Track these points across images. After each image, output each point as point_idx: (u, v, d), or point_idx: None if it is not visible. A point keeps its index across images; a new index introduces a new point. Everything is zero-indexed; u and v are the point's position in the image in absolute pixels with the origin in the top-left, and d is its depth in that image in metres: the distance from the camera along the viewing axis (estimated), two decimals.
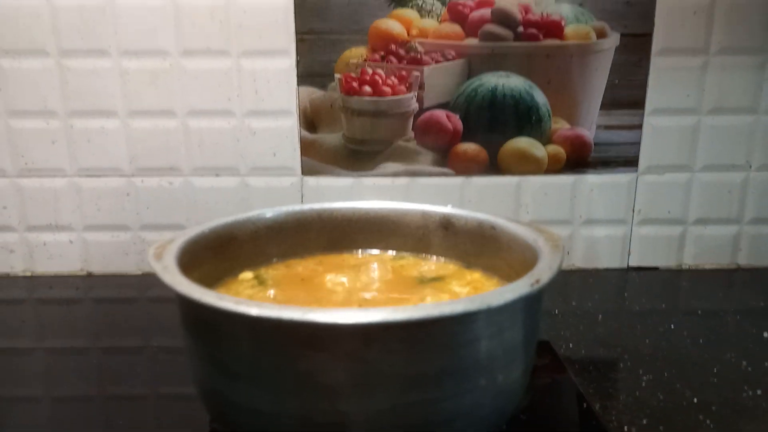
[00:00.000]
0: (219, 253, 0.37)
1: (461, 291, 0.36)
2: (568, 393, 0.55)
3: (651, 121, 0.82)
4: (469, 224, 0.39)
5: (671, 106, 0.81)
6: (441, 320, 0.23)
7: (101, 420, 0.53)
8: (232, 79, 0.80)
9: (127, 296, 0.82)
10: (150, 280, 0.83)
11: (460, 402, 0.26)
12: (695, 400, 0.53)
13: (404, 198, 0.83)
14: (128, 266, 0.86)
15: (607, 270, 0.86)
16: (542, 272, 0.27)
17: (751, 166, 0.84)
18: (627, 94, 0.82)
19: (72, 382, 0.59)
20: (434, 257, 0.41)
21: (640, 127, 0.82)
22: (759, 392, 0.54)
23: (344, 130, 0.82)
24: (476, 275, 0.38)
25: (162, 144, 0.82)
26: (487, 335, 0.26)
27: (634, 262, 0.86)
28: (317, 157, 0.83)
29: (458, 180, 0.83)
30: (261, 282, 0.38)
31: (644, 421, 0.50)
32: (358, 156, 0.83)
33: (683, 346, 0.64)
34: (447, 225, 0.41)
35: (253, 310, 0.23)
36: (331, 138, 0.83)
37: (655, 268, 0.86)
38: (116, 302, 0.81)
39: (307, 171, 0.83)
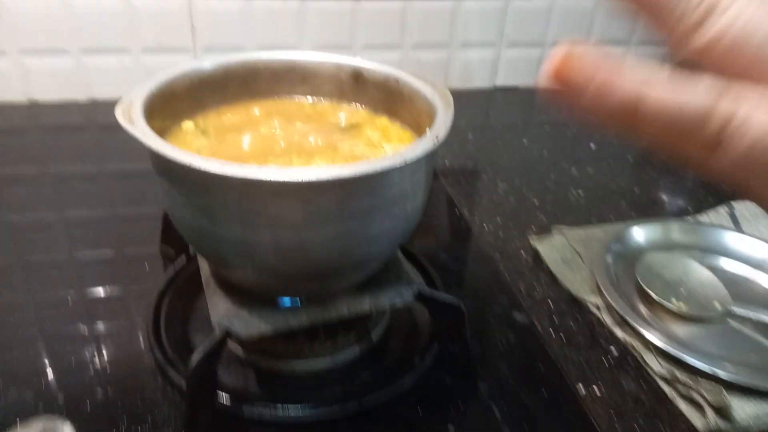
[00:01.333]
0: (163, 107, 0.41)
1: (373, 135, 0.45)
2: (442, 200, 0.69)
3: None
4: (377, 77, 0.47)
5: None
6: (374, 174, 0.33)
7: (63, 241, 0.59)
8: None
9: (15, 125, 0.81)
10: (38, 108, 0.83)
11: (382, 225, 0.37)
12: (536, 201, 0.69)
13: (295, 21, 0.86)
14: (12, 94, 0.83)
15: (478, 90, 0.98)
16: (440, 129, 0.37)
17: None
18: None
19: (32, 207, 0.64)
20: (346, 104, 0.49)
21: None
22: (580, 192, 0.72)
23: None
24: (383, 121, 0.47)
25: None
26: (402, 180, 0.36)
27: (499, 82, 0.98)
28: None
29: (348, 4, 0.86)
30: (204, 132, 0.44)
31: (498, 220, 0.66)
32: None
33: (531, 157, 0.80)
34: (357, 76, 0.48)
35: (239, 173, 0.31)
36: None
37: (516, 88, 1.00)
38: (8, 132, 0.80)
39: None
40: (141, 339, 0.47)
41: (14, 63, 0.81)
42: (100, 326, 0.49)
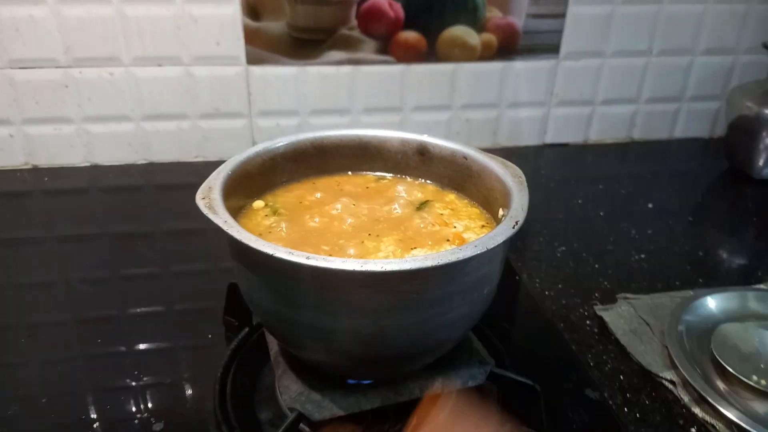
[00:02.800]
0: (236, 187, 0.42)
1: (443, 212, 0.44)
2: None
3: (573, 10, 0.89)
4: (444, 152, 0.47)
5: None
6: (456, 263, 0.32)
7: (120, 299, 0.61)
8: None
9: (77, 187, 0.84)
10: (99, 171, 0.86)
11: (461, 311, 0.37)
12: (597, 265, 0.68)
13: (348, 86, 0.88)
14: (75, 158, 0.87)
15: (526, 147, 0.98)
16: (518, 214, 0.37)
17: (651, 52, 0.95)
18: None
19: (90, 265, 0.66)
20: (413, 178, 0.49)
21: (563, 15, 0.89)
22: (643, 256, 0.70)
23: (288, 18, 0.83)
24: (452, 197, 0.47)
25: (98, 33, 0.79)
26: (481, 266, 0.36)
27: (549, 139, 0.98)
28: (261, 46, 0.84)
29: (399, 67, 0.88)
30: (274, 211, 0.44)
31: (560, 286, 0.64)
32: (302, 44, 0.85)
33: (588, 218, 0.79)
34: (423, 151, 0.48)
35: (321, 264, 0.31)
36: (275, 26, 0.83)
37: (566, 144, 0.99)
38: (65, 193, 0.83)
39: (251, 60, 0.84)
40: (207, 414, 0.46)
41: (78, 130, 0.85)
42: (163, 402, 0.48)
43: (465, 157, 0.46)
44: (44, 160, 0.86)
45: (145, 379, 0.50)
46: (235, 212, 0.43)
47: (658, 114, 1.00)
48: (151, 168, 0.88)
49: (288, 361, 0.42)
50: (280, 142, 0.46)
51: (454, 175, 0.47)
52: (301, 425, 0.44)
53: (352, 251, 0.39)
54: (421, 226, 0.43)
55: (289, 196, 0.47)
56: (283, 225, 0.42)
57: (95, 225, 0.75)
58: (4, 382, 0.50)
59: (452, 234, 0.42)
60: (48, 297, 0.61)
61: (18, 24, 0.77)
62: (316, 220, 0.43)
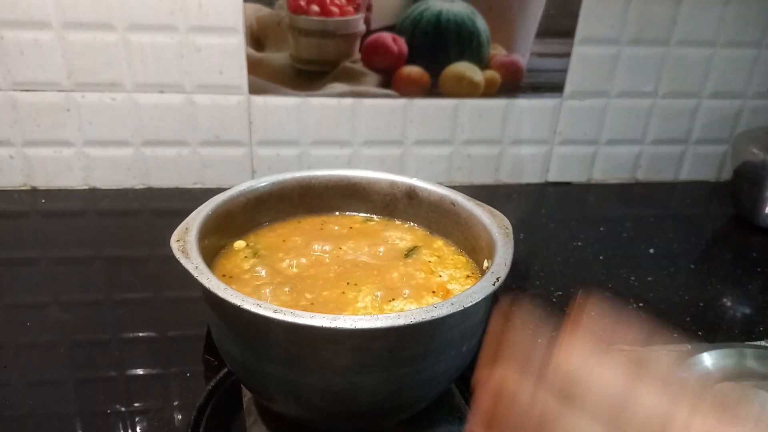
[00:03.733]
0: (217, 227, 0.41)
1: (430, 259, 0.43)
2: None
3: (579, 50, 0.88)
4: (432, 197, 0.46)
5: (598, 36, 0.88)
6: (429, 321, 0.31)
7: (109, 323, 0.60)
8: None
9: (74, 209, 0.84)
10: (97, 194, 0.85)
11: (437, 369, 0.35)
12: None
13: (350, 118, 0.87)
14: (73, 181, 0.86)
15: (528, 185, 0.96)
16: (500, 269, 0.35)
17: (657, 93, 0.94)
18: (560, 23, 0.87)
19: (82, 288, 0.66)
20: (400, 221, 0.48)
21: (568, 55, 0.89)
22: (641, 305, 0.68)
23: (291, 50, 0.83)
24: (440, 243, 0.46)
25: (102, 59, 0.79)
26: (459, 323, 0.34)
27: (551, 177, 0.97)
28: (264, 76, 0.84)
29: (401, 101, 0.87)
30: (255, 253, 0.43)
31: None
32: (305, 76, 0.85)
33: (587, 261, 0.77)
34: (412, 195, 0.47)
35: (290, 318, 0.30)
36: (278, 57, 0.83)
37: (569, 183, 0.98)
38: (62, 215, 0.82)
39: (254, 90, 0.84)
40: None
41: (78, 153, 0.85)
42: None
43: (453, 204, 0.45)
44: (43, 182, 0.86)
45: (116, 412, 0.49)
46: (215, 252, 0.42)
47: (664, 156, 0.98)
48: (149, 193, 0.88)
49: (260, 411, 0.41)
50: (265, 181, 0.46)
51: (441, 220, 0.46)
52: None
53: (330, 306, 0.38)
54: (405, 274, 0.41)
55: (272, 236, 0.46)
56: (262, 269, 0.41)
57: (90, 248, 0.75)
58: None
59: (436, 284, 0.41)
60: (37, 318, 0.60)
61: (23, 47, 0.77)
62: (298, 262, 0.42)
